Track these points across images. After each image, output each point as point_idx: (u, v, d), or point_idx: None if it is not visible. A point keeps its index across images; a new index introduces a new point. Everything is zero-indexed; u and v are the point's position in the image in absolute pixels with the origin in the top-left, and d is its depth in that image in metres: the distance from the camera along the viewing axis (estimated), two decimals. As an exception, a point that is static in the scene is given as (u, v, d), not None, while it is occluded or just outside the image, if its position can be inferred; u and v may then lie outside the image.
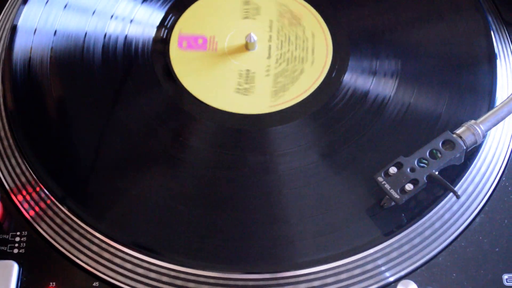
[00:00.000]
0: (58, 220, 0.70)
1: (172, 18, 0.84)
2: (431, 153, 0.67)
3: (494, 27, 0.80)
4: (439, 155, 0.67)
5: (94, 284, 0.67)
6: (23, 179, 0.72)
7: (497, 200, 0.70)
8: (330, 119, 0.74)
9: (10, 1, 0.87)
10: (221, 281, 0.66)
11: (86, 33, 0.81)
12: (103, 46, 0.80)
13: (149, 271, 0.67)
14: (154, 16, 0.84)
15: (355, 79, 0.77)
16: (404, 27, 0.80)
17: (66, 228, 0.69)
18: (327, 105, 0.75)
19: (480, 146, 0.70)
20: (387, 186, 0.65)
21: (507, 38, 0.80)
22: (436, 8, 0.81)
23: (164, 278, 0.67)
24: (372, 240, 0.66)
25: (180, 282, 0.66)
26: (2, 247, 0.69)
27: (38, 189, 0.71)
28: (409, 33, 0.80)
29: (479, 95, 0.74)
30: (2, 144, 0.75)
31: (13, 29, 0.80)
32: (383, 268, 0.67)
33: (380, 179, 0.66)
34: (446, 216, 0.69)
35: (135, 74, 0.79)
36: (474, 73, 0.76)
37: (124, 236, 0.67)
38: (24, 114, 0.75)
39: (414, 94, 0.75)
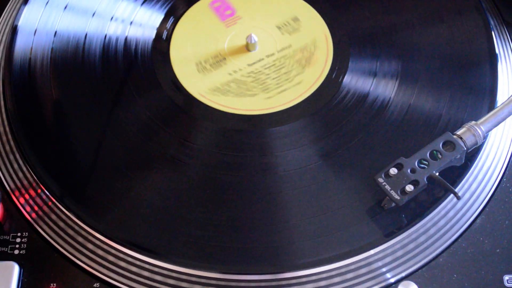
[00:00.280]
0: (58, 221, 0.70)
1: (172, 19, 0.84)
2: (431, 154, 0.67)
3: (494, 28, 0.79)
4: (440, 156, 0.67)
5: (94, 285, 0.67)
6: (24, 180, 0.72)
7: (498, 201, 0.70)
8: (331, 120, 0.74)
9: (11, 2, 0.87)
10: (221, 282, 0.66)
11: (86, 34, 0.81)
12: (103, 47, 0.81)
13: (149, 272, 0.67)
14: (154, 17, 0.84)
15: (355, 80, 0.77)
16: (405, 28, 0.80)
17: (67, 229, 0.69)
18: (327, 106, 0.75)
19: (481, 147, 0.70)
20: (387, 187, 0.65)
21: (508, 39, 0.80)
22: (436, 9, 0.81)
23: (164, 279, 0.67)
24: (373, 241, 0.66)
25: (178, 283, 0.66)
26: (2, 248, 0.69)
27: (39, 191, 0.71)
28: (409, 34, 0.80)
29: (479, 96, 0.74)
30: (3, 145, 0.75)
31: (14, 29, 0.80)
32: (383, 269, 0.66)
33: (380, 180, 0.66)
34: (447, 217, 0.69)
35: (135, 75, 0.79)
36: (474, 74, 0.76)
37: (124, 236, 0.67)
38: (24, 114, 0.75)
39: (414, 95, 0.75)
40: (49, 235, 0.69)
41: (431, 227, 0.68)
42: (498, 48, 0.77)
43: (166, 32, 0.83)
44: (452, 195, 0.67)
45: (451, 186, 0.66)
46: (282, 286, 0.66)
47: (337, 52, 0.80)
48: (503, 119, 0.69)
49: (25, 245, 0.69)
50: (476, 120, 0.69)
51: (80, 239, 0.69)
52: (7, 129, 0.75)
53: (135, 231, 0.67)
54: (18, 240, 0.69)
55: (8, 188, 0.73)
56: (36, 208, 0.71)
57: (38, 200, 0.71)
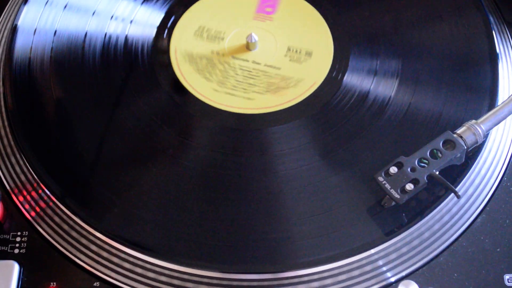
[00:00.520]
0: (58, 220, 0.70)
1: (173, 18, 0.84)
2: (431, 153, 0.67)
3: (495, 27, 0.79)
4: (440, 155, 0.67)
5: (94, 284, 0.67)
6: (24, 179, 0.72)
7: (498, 200, 0.70)
8: (331, 119, 0.74)
9: (11, 1, 0.87)
10: (223, 282, 0.66)
11: (86, 33, 0.81)
12: (103, 46, 0.80)
13: (149, 271, 0.67)
14: (154, 16, 0.84)
15: (355, 79, 0.77)
16: (405, 27, 0.80)
17: (67, 228, 0.69)
18: (327, 105, 0.75)
19: (481, 146, 0.70)
20: (387, 185, 0.65)
21: (508, 38, 0.80)
22: (437, 8, 0.81)
23: (165, 278, 0.67)
24: (373, 241, 0.66)
25: (179, 282, 0.66)
26: (2, 247, 0.69)
27: (40, 191, 0.71)
28: (410, 33, 0.80)
29: (480, 95, 0.74)
30: (3, 144, 0.75)
31: (14, 29, 0.80)
32: (384, 268, 0.66)
33: (380, 178, 0.66)
34: (448, 216, 0.69)
35: (135, 74, 0.79)
36: (475, 72, 0.75)
37: (125, 235, 0.67)
38: (24, 114, 0.75)
39: (414, 94, 0.75)
40: (49, 234, 0.69)
41: (431, 226, 0.68)
42: (499, 47, 0.77)
43: (167, 31, 0.83)
44: (452, 194, 0.67)
45: (451, 185, 0.66)
46: (284, 285, 0.65)
47: (338, 51, 0.80)
48: (504, 118, 0.69)
49: (25, 244, 0.69)
50: (476, 119, 0.69)
51: (80, 238, 0.69)
52: (7, 128, 0.75)
53: (135, 230, 0.67)
54: (18, 239, 0.69)
55: (8, 187, 0.73)
56: (36, 207, 0.71)
57: (38, 199, 0.71)
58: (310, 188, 0.69)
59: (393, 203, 0.66)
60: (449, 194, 0.68)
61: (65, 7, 0.83)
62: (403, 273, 0.67)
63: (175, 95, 0.77)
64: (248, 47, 0.81)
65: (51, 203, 0.70)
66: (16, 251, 0.69)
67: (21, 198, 0.72)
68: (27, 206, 0.71)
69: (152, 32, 0.82)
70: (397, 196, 0.65)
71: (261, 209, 0.68)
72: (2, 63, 0.80)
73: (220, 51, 0.81)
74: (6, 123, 0.75)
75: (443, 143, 0.67)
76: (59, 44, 0.81)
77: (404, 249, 0.67)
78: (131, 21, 0.83)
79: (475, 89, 0.74)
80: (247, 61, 0.80)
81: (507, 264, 0.67)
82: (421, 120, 0.73)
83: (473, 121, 0.68)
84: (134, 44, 0.81)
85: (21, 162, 0.73)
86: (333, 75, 0.78)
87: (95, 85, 0.78)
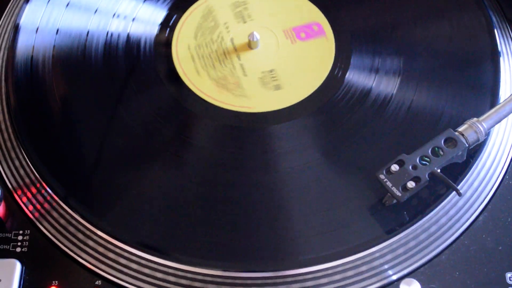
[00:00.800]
0: (60, 219, 0.70)
1: (175, 16, 0.84)
2: (433, 151, 0.67)
3: (497, 25, 0.79)
4: (441, 152, 0.66)
5: (96, 283, 0.67)
6: (26, 178, 0.72)
7: (500, 199, 0.70)
8: (333, 117, 0.74)
9: (13, 0, 0.87)
10: (228, 280, 0.66)
11: (88, 32, 0.81)
12: (106, 44, 0.81)
13: (151, 269, 0.67)
14: (156, 14, 0.84)
15: (357, 77, 0.77)
16: (407, 25, 0.80)
17: (69, 226, 0.69)
18: (329, 103, 0.75)
19: (483, 144, 0.70)
20: (389, 183, 0.65)
21: (510, 36, 0.80)
22: (438, 6, 0.81)
23: (167, 277, 0.67)
24: (374, 239, 0.66)
25: (178, 280, 0.66)
26: (5, 246, 0.69)
27: (43, 191, 0.71)
28: (411, 31, 0.80)
29: (482, 93, 0.74)
30: (5, 143, 0.75)
31: (16, 27, 0.81)
32: (385, 267, 0.66)
33: (382, 176, 0.66)
34: (449, 214, 0.69)
35: (138, 72, 0.79)
36: (477, 70, 0.75)
37: (127, 234, 0.67)
38: (26, 112, 0.75)
39: (416, 92, 0.75)
40: (51, 233, 0.69)
41: (433, 224, 0.68)
42: (500, 45, 0.77)
43: (169, 29, 0.83)
44: (454, 192, 0.67)
45: (452, 183, 0.66)
46: (286, 283, 0.66)
47: (339, 49, 0.80)
48: (505, 116, 0.69)
49: (27, 243, 0.69)
50: (478, 117, 0.68)
51: (82, 237, 0.69)
52: (9, 127, 0.75)
53: (137, 229, 0.67)
54: (20, 238, 0.69)
55: (10, 186, 0.73)
56: (38, 206, 0.71)
57: (40, 198, 0.71)
58: (311, 186, 0.69)
59: (394, 201, 0.66)
60: (451, 192, 0.68)
61: (67, 5, 0.83)
62: (405, 271, 0.66)
63: (177, 93, 0.77)
64: (250, 45, 0.81)
65: (53, 202, 0.70)
66: (18, 249, 0.69)
67: (23, 197, 0.72)
68: (29, 205, 0.71)
69: (154, 30, 0.82)
70: (398, 194, 0.65)
71: (263, 207, 0.68)
72: (4, 62, 0.80)
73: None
74: (8, 122, 0.75)
75: (445, 141, 0.67)
76: (61, 42, 0.81)
77: (405, 248, 0.67)
78: (133, 19, 0.83)
79: (477, 87, 0.74)
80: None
81: (509, 262, 0.66)
82: (423, 117, 0.73)
83: (475, 119, 0.68)
84: (136, 42, 0.81)
85: (23, 161, 0.73)
86: (335, 73, 0.78)
87: (97, 84, 0.78)
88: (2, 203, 0.69)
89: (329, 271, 0.66)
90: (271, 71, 0.79)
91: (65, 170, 0.71)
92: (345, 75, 0.77)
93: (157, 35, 0.82)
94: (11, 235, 0.69)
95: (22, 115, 0.75)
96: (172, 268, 0.66)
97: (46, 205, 0.71)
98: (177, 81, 0.78)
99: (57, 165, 0.72)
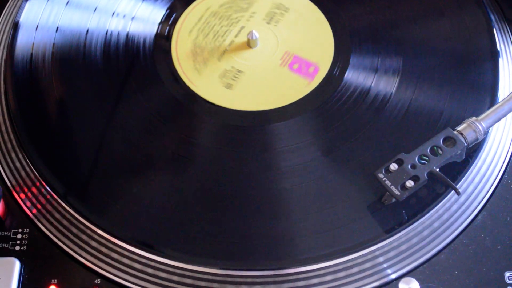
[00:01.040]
0: (59, 217, 0.70)
1: (174, 15, 0.84)
2: (432, 150, 0.67)
3: (496, 25, 0.79)
4: (440, 151, 0.67)
5: (95, 281, 0.67)
6: (25, 176, 0.72)
7: (499, 198, 0.70)
8: (332, 115, 0.74)
9: (13, -2, 0.87)
10: (227, 278, 0.66)
11: (88, 30, 0.81)
12: (105, 42, 0.81)
13: (150, 267, 0.67)
14: (156, 12, 0.84)
15: (356, 76, 0.77)
16: (406, 24, 0.80)
17: (68, 225, 0.69)
18: (328, 102, 0.75)
19: (482, 143, 0.70)
20: (387, 182, 0.65)
21: (509, 35, 0.80)
22: (438, 5, 0.81)
23: (168, 275, 0.67)
24: (374, 238, 0.66)
25: (179, 279, 0.66)
26: (3, 244, 0.69)
27: (42, 189, 0.71)
28: (411, 30, 0.80)
29: (481, 92, 0.74)
30: (4, 141, 0.75)
31: (15, 25, 0.81)
32: (384, 265, 0.66)
33: (380, 175, 0.66)
34: (448, 213, 0.69)
35: (137, 71, 0.79)
36: (476, 70, 0.75)
37: (126, 233, 0.67)
38: (25, 110, 0.75)
39: (415, 91, 0.75)
40: (50, 231, 0.69)
41: (432, 223, 0.68)
42: (500, 44, 0.77)
43: (168, 27, 0.83)
44: (453, 191, 0.67)
45: (451, 182, 0.66)
46: (286, 282, 0.66)
47: (338, 48, 0.80)
48: (504, 115, 0.69)
49: (26, 241, 0.69)
50: (477, 116, 0.68)
51: (81, 235, 0.69)
52: (9, 125, 0.75)
53: (136, 227, 0.68)
54: (19, 236, 0.69)
55: (9, 184, 0.73)
56: (37, 204, 0.71)
57: (39, 197, 0.71)
58: (310, 184, 0.69)
59: (393, 200, 0.66)
60: (450, 191, 0.68)
61: (67, 3, 0.83)
62: (404, 270, 0.67)
63: (177, 92, 0.77)
64: (249, 44, 0.81)
65: (53, 201, 0.70)
66: (17, 248, 0.69)
67: (22, 195, 0.72)
68: (28, 203, 0.71)
69: (154, 29, 0.82)
70: (397, 193, 0.65)
71: (262, 205, 0.68)
72: (3, 60, 0.80)
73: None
74: (7, 120, 0.75)
75: (444, 140, 0.67)
76: (60, 40, 0.81)
77: (404, 246, 0.67)
78: (132, 18, 0.83)
79: (476, 86, 0.74)
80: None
81: (507, 261, 0.67)
82: (422, 117, 0.73)
83: (474, 118, 0.68)
84: (135, 41, 0.81)
85: (22, 159, 0.73)
86: (334, 72, 0.78)
87: (96, 82, 0.78)
88: (1, 202, 0.69)
89: (328, 270, 0.66)
90: (239, 71, 0.79)
91: (64, 168, 0.71)
92: (345, 74, 0.77)
93: (156, 34, 0.82)
94: (10, 234, 0.70)
95: (21, 112, 0.75)
96: (169, 265, 0.66)
97: (45, 203, 0.71)
98: (177, 80, 0.78)
99: (56, 163, 0.72)
